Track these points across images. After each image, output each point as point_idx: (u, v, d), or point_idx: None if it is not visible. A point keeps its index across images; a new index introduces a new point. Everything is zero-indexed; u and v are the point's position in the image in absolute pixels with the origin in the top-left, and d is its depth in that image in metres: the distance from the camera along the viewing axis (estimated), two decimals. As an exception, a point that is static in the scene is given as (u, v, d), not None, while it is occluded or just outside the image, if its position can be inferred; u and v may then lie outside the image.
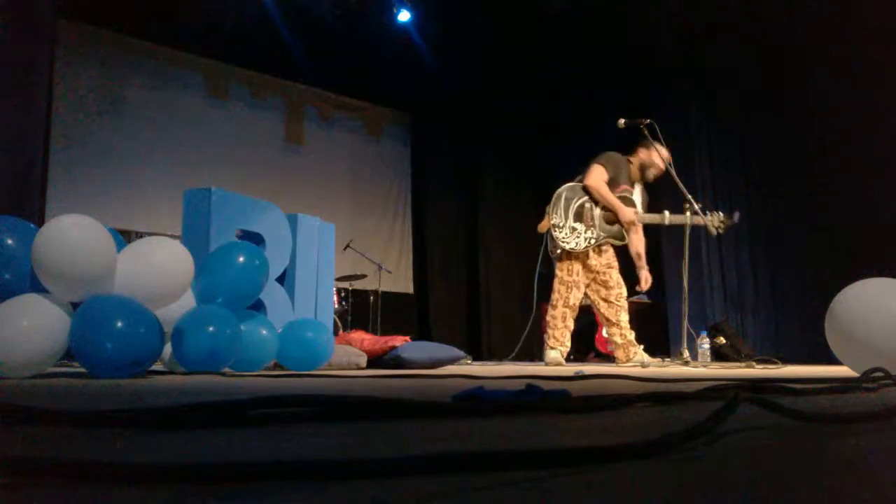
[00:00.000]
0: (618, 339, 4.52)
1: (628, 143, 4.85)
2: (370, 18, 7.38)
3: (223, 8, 6.50)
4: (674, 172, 4.60)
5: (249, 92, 7.59)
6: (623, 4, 6.72)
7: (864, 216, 5.26)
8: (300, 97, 7.99)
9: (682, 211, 4.59)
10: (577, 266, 4.50)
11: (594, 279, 4.56)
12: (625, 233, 4.53)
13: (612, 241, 4.54)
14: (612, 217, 4.51)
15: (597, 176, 4.51)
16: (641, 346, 4.56)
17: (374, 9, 7.35)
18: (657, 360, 4.55)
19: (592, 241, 4.49)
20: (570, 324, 4.56)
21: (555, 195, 4.54)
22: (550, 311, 4.55)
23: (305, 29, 7.18)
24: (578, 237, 4.48)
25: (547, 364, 4.43)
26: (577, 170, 4.72)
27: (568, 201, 4.50)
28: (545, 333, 4.61)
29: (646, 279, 4.69)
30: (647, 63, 7.09)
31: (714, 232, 4.73)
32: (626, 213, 4.47)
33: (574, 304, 4.51)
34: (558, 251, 4.53)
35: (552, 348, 4.51)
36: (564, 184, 4.60)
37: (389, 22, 7.50)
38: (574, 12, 6.94)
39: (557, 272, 4.56)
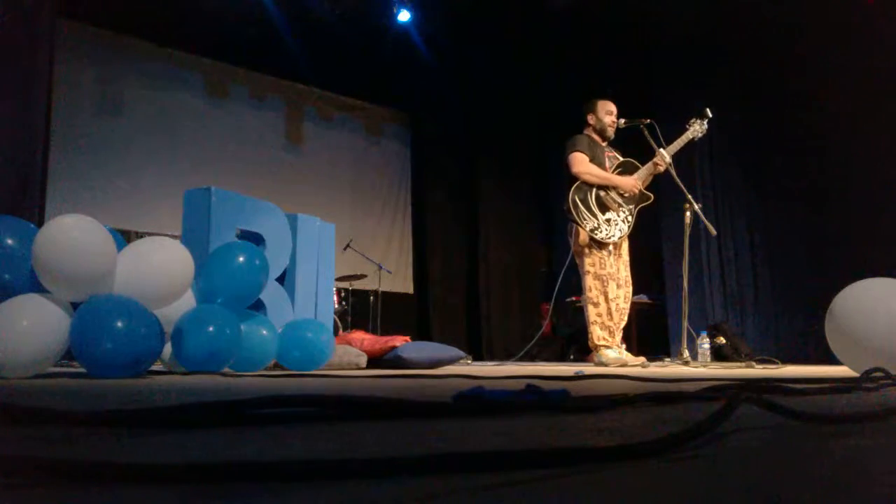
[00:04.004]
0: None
1: (628, 142, 4.85)
2: (370, 18, 7.38)
3: (223, 8, 6.49)
4: (674, 172, 4.60)
5: (249, 92, 7.59)
6: (623, 4, 6.72)
7: (864, 216, 5.26)
8: (300, 97, 7.99)
9: (682, 211, 4.59)
10: (609, 258, 4.42)
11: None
12: (644, 193, 4.58)
13: (642, 205, 4.59)
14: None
15: (581, 163, 4.50)
16: (624, 346, 4.50)
17: (374, 9, 7.34)
18: (638, 360, 4.47)
19: (630, 218, 4.52)
20: (620, 319, 4.42)
21: (570, 204, 4.44)
22: (593, 310, 4.39)
23: (305, 29, 7.18)
24: (618, 224, 4.46)
25: (607, 365, 4.21)
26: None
27: (584, 202, 4.45)
28: (591, 333, 4.41)
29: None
30: (647, 63, 7.10)
31: (714, 232, 4.73)
32: (626, 182, 4.52)
33: (615, 298, 4.39)
34: (583, 247, 4.45)
35: (607, 347, 4.34)
36: (571, 189, 4.51)
37: (389, 22, 7.50)
38: (574, 12, 6.94)
39: (588, 268, 4.44)
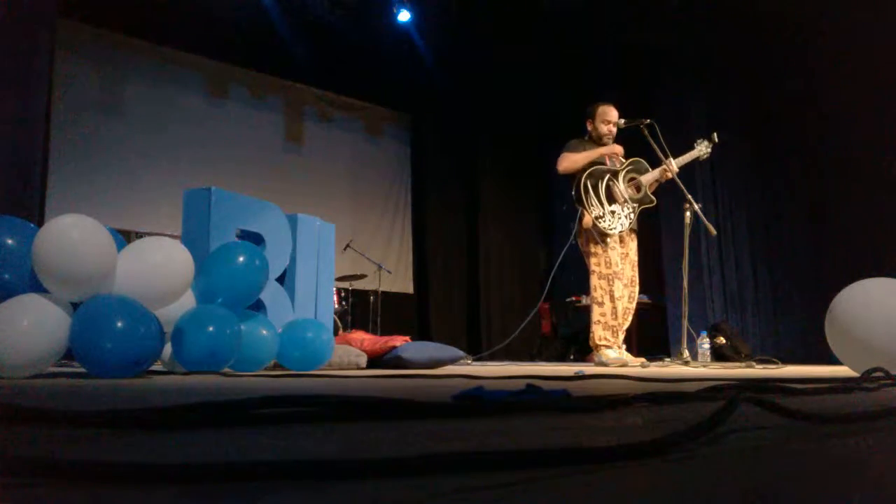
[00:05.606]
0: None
1: (628, 142, 4.85)
2: (370, 18, 7.38)
3: (223, 8, 6.50)
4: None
5: (249, 92, 7.59)
6: (623, 4, 6.72)
7: (864, 216, 5.26)
8: (300, 97, 7.99)
9: (682, 211, 4.59)
10: (615, 257, 4.43)
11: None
12: (648, 195, 4.58)
13: (645, 206, 4.59)
14: (634, 185, 4.57)
15: (562, 161, 4.57)
16: (624, 347, 4.49)
17: (374, 9, 7.34)
18: (638, 360, 4.47)
19: (633, 215, 4.53)
20: (625, 319, 4.43)
21: (580, 189, 4.47)
22: (597, 310, 4.40)
23: (305, 29, 7.18)
24: (620, 218, 4.48)
25: (607, 365, 4.21)
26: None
27: (595, 189, 4.48)
28: (592, 333, 4.42)
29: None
30: (646, 63, 7.10)
31: (714, 232, 4.73)
32: (607, 148, 4.58)
33: (622, 297, 4.40)
34: (590, 246, 4.47)
35: (608, 347, 4.34)
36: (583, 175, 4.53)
37: (389, 22, 7.50)
38: (574, 12, 6.94)
39: (594, 267, 4.45)
